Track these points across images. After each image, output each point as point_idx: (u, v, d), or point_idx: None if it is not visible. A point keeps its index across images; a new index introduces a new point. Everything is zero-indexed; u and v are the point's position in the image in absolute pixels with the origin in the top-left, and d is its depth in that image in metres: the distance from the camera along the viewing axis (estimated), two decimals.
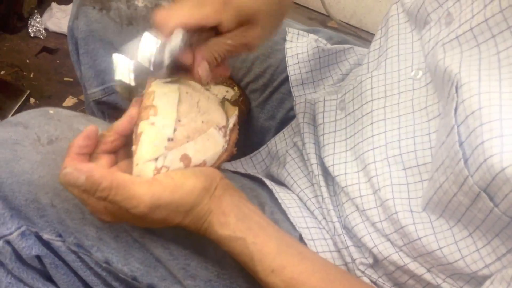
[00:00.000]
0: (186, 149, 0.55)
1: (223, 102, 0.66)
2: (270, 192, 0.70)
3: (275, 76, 0.85)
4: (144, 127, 0.53)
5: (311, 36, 0.84)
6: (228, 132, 0.61)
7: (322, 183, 0.68)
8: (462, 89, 0.48)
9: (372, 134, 0.62)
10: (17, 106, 1.54)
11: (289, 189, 0.71)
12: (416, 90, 0.60)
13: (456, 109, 0.48)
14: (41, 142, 0.62)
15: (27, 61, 1.71)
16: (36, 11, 1.78)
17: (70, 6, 1.82)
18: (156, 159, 0.53)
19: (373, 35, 0.65)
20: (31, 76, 1.67)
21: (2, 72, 1.65)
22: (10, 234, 0.61)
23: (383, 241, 0.59)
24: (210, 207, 0.53)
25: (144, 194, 0.50)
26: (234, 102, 0.79)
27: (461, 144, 0.48)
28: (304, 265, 0.55)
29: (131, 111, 0.55)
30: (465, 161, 0.47)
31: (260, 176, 0.72)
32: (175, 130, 0.55)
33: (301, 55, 0.83)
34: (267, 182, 0.71)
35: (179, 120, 0.56)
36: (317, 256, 0.58)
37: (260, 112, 0.86)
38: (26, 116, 0.65)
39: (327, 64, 0.84)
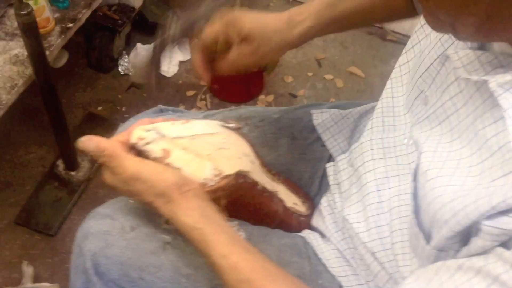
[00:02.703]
0: (175, 147, 0.73)
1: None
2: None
3: (321, 169, 0.95)
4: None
5: (333, 110, 0.97)
6: (220, 176, 0.73)
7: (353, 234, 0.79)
8: (422, 155, 0.64)
9: (377, 189, 0.76)
10: None
11: (329, 240, 0.83)
12: (410, 154, 0.74)
13: (416, 169, 0.65)
14: (125, 230, 0.79)
15: (119, 96, 1.96)
16: (124, 51, 2.03)
17: (153, 45, 2.06)
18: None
19: None
20: (123, 110, 1.92)
21: (99, 108, 1.91)
22: None
23: None
24: (178, 200, 0.67)
25: (129, 166, 0.68)
26: (306, 217, 0.90)
27: (414, 196, 0.64)
28: (248, 255, 0.67)
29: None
30: (416, 209, 0.63)
31: (303, 235, 0.85)
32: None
33: (331, 128, 0.96)
34: (310, 237, 0.84)
35: (192, 138, 0.76)
36: (259, 252, 0.69)
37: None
38: (111, 207, 0.82)
39: (356, 129, 0.96)
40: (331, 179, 0.87)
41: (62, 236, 1.57)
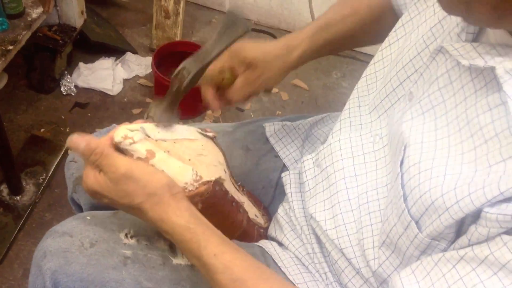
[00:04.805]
0: (158, 149, 0.73)
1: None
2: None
3: (274, 178, 0.99)
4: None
5: (284, 122, 1.01)
6: (200, 182, 0.73)
7: (313, 240, 0.81)
8: (409, 148, 0.65)
9: (346, 187, 0.78)
10: (57, 161, 1.75)
11: (287, 248, 0.85)
12: (376, 151, 0.77)
13: (402, 162, 0.66)
14: (85, 247, 0.78)
15: (63, 117, 1.92)
16: (66, 71, 2.00)
17: (96, 64, 2.05)
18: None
19: (368, 55, 0.82)
20: (67, 131, 1.88)
21: (42, 130, 1.86)
22: None
23: (361, 283, 0.74)
24: (169, 201, 0.67)
25: (122, 165, 0.66)
26: (264, 229, 0.93)
27: (402, 186, 0.65)
28: (239, 254, 0.67)
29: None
30: (405, 199, 0.64)
31: (261, 245, 0.86)
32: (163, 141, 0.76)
33: (283, 139, 1.00)
34: (268, 247, 0.85)
35: (174, 142, 0.76)
36: (248, 253, 0.69)
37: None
38: (69, 225, 0.81)
39: (307, 139, 1.00)
40: (287, 188, 0.89)
41: (9, 263, 1.52)
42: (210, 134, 0.85)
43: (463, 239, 0.57)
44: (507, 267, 0.51)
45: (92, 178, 0.68)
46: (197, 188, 0.73)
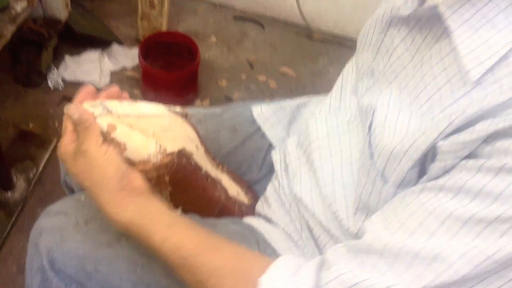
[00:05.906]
0: (121, 123, 0.73)
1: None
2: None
3: (260, 157, 1.01)
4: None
5: (271, 103, 1.03)
6: (164, 154, 0.73)
7: (299, 217, 0.83)
8: (376, 112, 0.69)
9: (321, 166, 0.80)
10: (47, 155, 1.74)
11: (277, 224, 0.87)
12: (351, 131, 0.80)
13: (370, 124, 0.69)
14: (80, 225, 0.80)
15: (51, 111, 1.91)
16: (52, 65, 1.98)
17: (82, 57, 2.03)
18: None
19: (355, 41, 0.84)
20: (56, 125, 1.87)
21: (31, 125, 1.85)
22: None
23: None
24: (112, 195, 0.67)
25: (90, 143, 0.68)
26: (247, 207, 0.93)
27: (370, 145, 0.68)
28: (190, 231, 0.68)
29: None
30: (371, 157, 0.67)
31: (249, 223, 0.88)
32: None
33: (270, 118, 1.01)
34: (256, 224, 0.87)
35: (139, 118, 0.77)
36: (203, 228, 0.70)
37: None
38: (64, 205, 0.84)
39: (294, 119, 1.02)
40: (276, 165, 0.91)
41: (3, 260, 1.51)
42: (178, 110, 0.85)
43: (424, 178, 0.60)
44: (465, 188, 0.53)
45: (66, 141, 0.71)
46: (161, 159, 0.73)
